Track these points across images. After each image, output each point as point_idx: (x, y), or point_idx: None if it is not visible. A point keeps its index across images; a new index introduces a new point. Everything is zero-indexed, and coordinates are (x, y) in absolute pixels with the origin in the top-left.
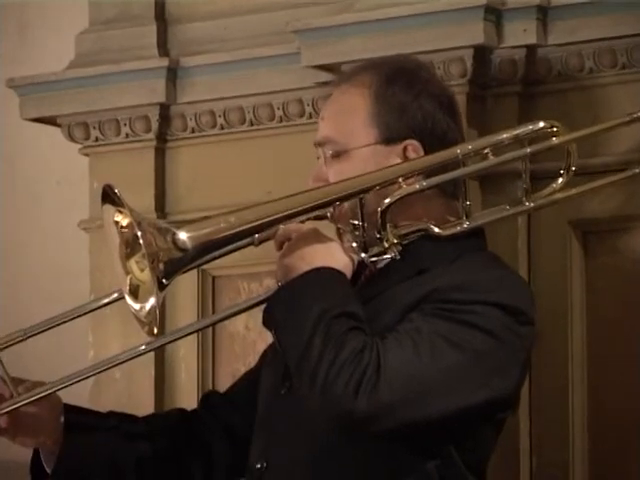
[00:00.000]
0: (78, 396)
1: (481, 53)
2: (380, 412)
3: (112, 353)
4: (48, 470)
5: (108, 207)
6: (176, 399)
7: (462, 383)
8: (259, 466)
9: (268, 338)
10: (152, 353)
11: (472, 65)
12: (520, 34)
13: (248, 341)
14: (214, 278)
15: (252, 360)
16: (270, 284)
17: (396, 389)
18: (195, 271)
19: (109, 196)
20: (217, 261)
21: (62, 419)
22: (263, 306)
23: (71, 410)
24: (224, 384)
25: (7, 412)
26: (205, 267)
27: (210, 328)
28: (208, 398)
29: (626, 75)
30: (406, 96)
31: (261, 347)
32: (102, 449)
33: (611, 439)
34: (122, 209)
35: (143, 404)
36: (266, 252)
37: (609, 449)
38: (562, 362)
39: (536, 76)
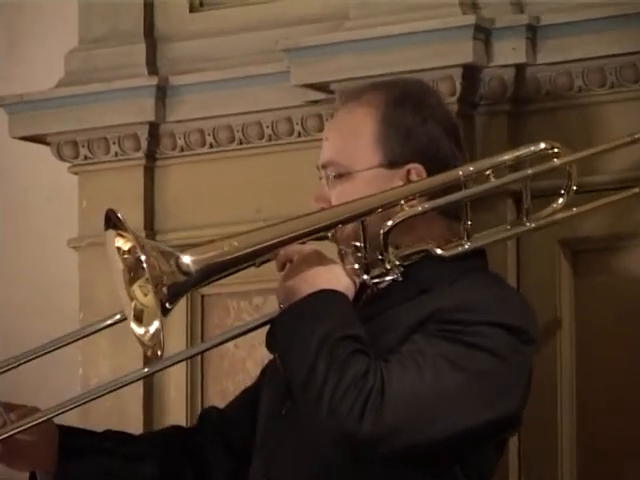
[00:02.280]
0: (67, 414)
1: (470, 72)
2: (385, 435)
3: (101, 371)
4: None
5: (111, 232)
6: (165, 416)
7: (466, 405)
8: None
9: (257, 356)
10: None
11: (461, 84)
12: (509, 53)
13: (237, 359)
14: (203, 297)
15: (241, 378)
16: (259, 302)
17: (400, 412)
18: None
19: (112, 221)
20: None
21: (56, 443)
22: None
23: (66, 433)
24: (213, 402)
25: (0, 440)
26: None
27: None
28: (206, 414)
29: (615, 94)
30: (413, 120)
31: (250, 365)
32: (99, 472)
33: (600, 457)
34: (125, 234)
35: (132, 421)
36: (255, 271)
37: (598, 468)
38: (551, 381)
39: (525, 95)
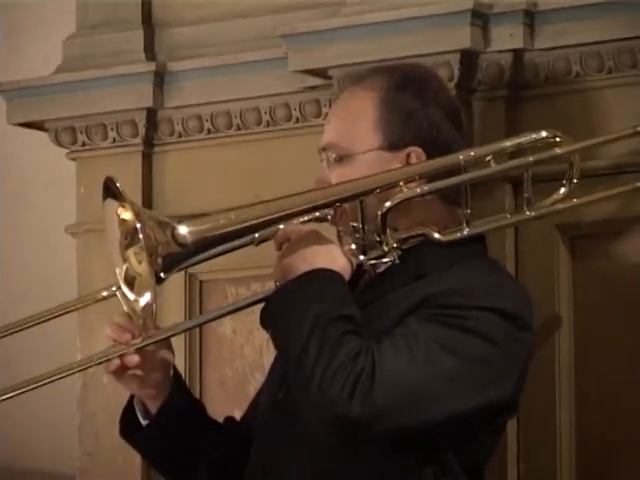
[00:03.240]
0: (66, 400)
1: (468, 57)
2: (374, 416)
3: None
4: (142, 421)
5: (109, 200)
6: None
7: (458, 389)
8: (258, 472)
9: (256, 342)
10: None
11: (459, 69)
12: (507, 38)
13: (235, 345)
14: (201, 282)
15: (239, 365)
16: (257, 288)
17: (391, 394)
18: (182, 275)
19: (110, 189)
20: (204, 265)
21: (171, 373)
22: (249, 309)
23: (179, 373)
24: (211, 389)
25: (140, 347)
26: (192, 271)
27: (197, 332)
28: (229, 422)
29: (613, 79)
30: (414, 104)
31: (248, 351)
32: (198, 414)
33: (598, 446)
34: (123, 202)
35: None
36: (253, 256)
37: (596, 456)
38: (549, 368)
39: (523, 80)
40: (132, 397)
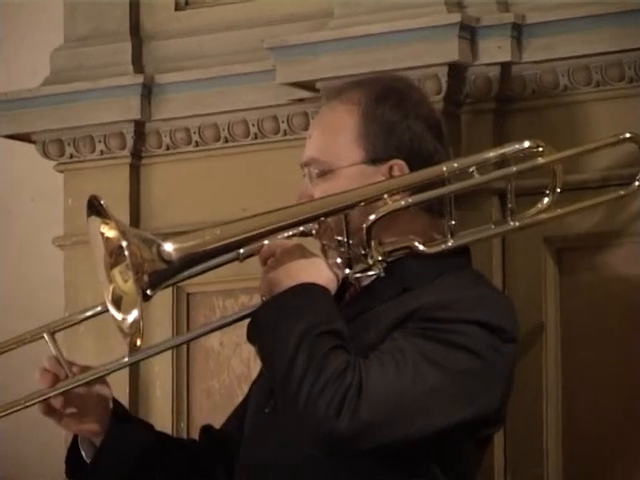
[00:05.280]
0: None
1: (456, 70)
2: (361, 432)
3: None
4: (86, 458)
5: (93, 218)
6: (151, 417)
7: (444, 403)
8: None
9: (243, 355)
10: (127, 371)
11: (447, 82)
12: (494, 51)
13: (222, 357)
14: (189, 295)
15: (226, 377)
16: (245, 301)
17: (377, 410)
18: (170, 288)
19: (94, 207)
20: (192, 278)
21: (110, 406)
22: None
23: (118, 403)
24: (199, 401)
25: (61, 392)
26: (180, 284)
27: (184, 344)
28: (206, 431)
29: (601, 92)
30: (395, 116)
31: (235, 363)
32: (144, 446)
33: (585, 456)
34: (107, 220)
35: None
36: (241, 269)
37: (583, 466)
38: (536, 380)
39: (510, 93)
40: (76, 436)
